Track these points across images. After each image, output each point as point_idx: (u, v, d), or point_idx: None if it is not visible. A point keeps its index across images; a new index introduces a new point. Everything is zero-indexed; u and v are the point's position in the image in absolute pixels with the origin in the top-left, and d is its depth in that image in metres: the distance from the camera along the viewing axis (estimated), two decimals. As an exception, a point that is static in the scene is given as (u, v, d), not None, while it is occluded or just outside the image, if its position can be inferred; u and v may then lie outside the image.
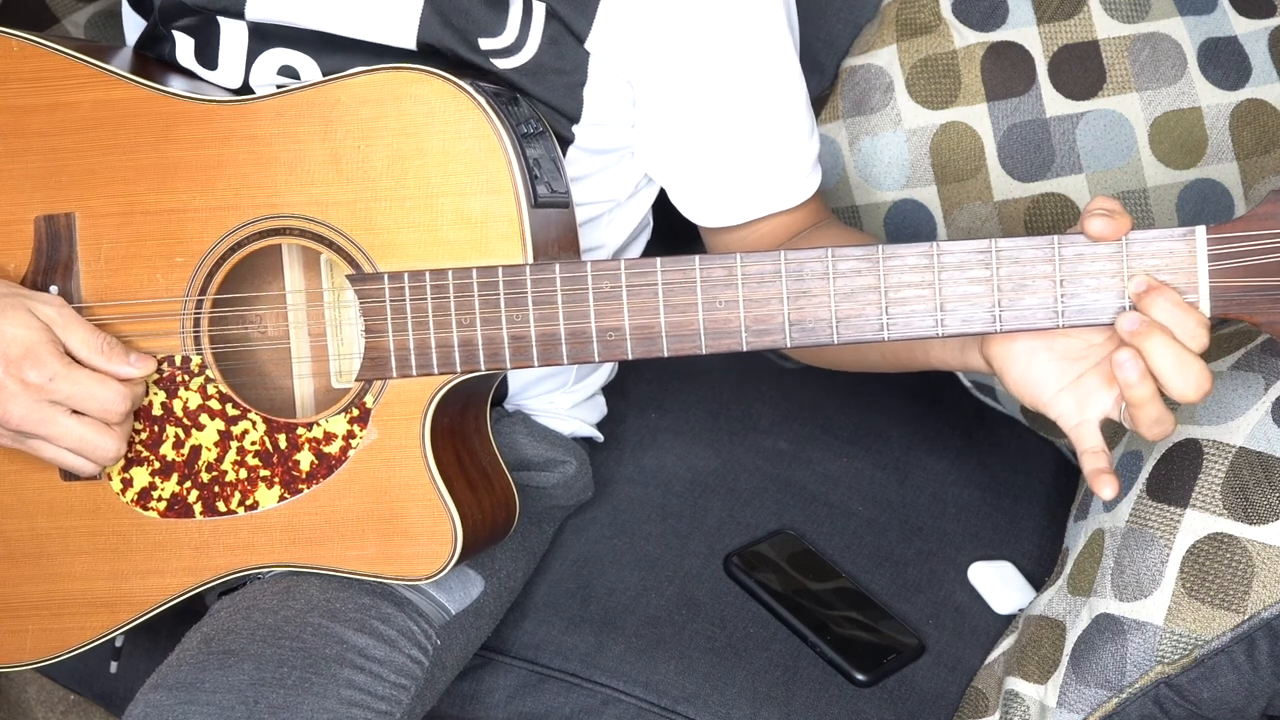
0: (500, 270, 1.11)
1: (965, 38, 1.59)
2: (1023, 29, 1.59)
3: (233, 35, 1.26)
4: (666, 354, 1.10)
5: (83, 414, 1.15)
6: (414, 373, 1.14)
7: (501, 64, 1.22)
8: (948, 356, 1.17)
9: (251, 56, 1.26)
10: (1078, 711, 1.27)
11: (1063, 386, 1.08)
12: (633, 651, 1.36)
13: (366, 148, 1.14)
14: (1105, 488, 1.05)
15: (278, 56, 1.26)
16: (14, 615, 1.23)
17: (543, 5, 1.22)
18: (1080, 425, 1.08)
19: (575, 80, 1.24)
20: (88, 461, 1.17)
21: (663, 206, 1.37)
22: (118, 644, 1.31)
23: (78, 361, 1.16)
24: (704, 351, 1.10)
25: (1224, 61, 1.55)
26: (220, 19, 1.26)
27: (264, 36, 1.25)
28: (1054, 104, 1.57)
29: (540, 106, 1.24)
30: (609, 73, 1.25)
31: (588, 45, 1.23)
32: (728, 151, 1.28)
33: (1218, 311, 1.04)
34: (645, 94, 1.27)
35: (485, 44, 1.22)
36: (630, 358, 1.10)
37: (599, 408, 1.49)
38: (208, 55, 1.27)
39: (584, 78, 1.24)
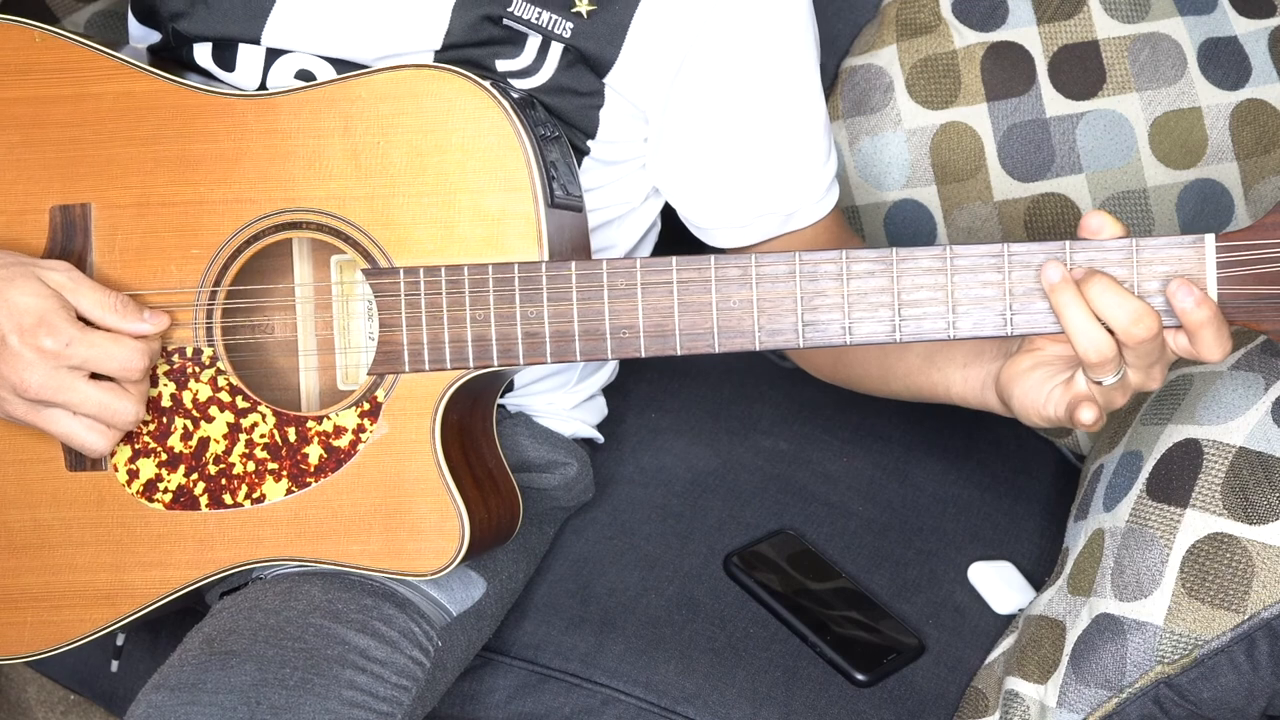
0: (516, 267, 1.13)
1: (965, 38, 1.61)
2: (1023, 29, 1.60)
3: (250, 50, 1.28)
4: (680, 352, 1.12)
5: (101, 377, 1.16)
6: (426, 367, 1.15)
7: (517, 84, 1.24)
8: (968, 394, 1.20)
9: (269, 63, 1.27)
10: (1078, 711, 1.28)
11: (1053, 387, 1.11)
12: (633, 651, 1.37)
13: (386, 144, 1.16)
14: (1085, 411, 1.08)
15: (295, 61, 1.27)
16: (13, 607, 1.24)
17: (560, 45, 1.24)
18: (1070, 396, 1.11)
19: (592, 103, 1.26)
20: (105, 432, 1.17)
21: (671, 207, 1.37)
22: (119, 643, 1.32)
23: (91, 324, 1.16)
24: (717, 350, 1.11)
25: (1224, 61, 1.57)
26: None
27: (281, 52, 1.27)
28: (1054, 104, 1.58)
29: (555, 119, 1.25)
30: (625, 101, 1.27)
31: (606, 80, 1.25)
32: (741, 178, 1.29)
33: (1225, 318, 1.06)
34: (659, 121, 1.28)
35: (502, 65, 1.24)
36: (643, 355, 1.12)
37: (600, 409, 1.50)
38: (225, 60, 1.29)
39: (600, 101, 1.26)
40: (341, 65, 1.26)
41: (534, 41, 1.24)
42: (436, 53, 1.25)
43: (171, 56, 1.31)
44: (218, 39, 1.27)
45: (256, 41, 1.26)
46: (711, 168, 1.30)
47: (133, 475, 1.22)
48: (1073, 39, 1.59)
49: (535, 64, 1.24)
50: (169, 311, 1.20)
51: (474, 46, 1.24)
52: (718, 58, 1.26)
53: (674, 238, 1.42)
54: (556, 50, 1.24)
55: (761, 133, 1.28)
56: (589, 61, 1.24)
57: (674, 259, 1.12)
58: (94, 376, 1.16)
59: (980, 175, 1.60)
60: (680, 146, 1.29)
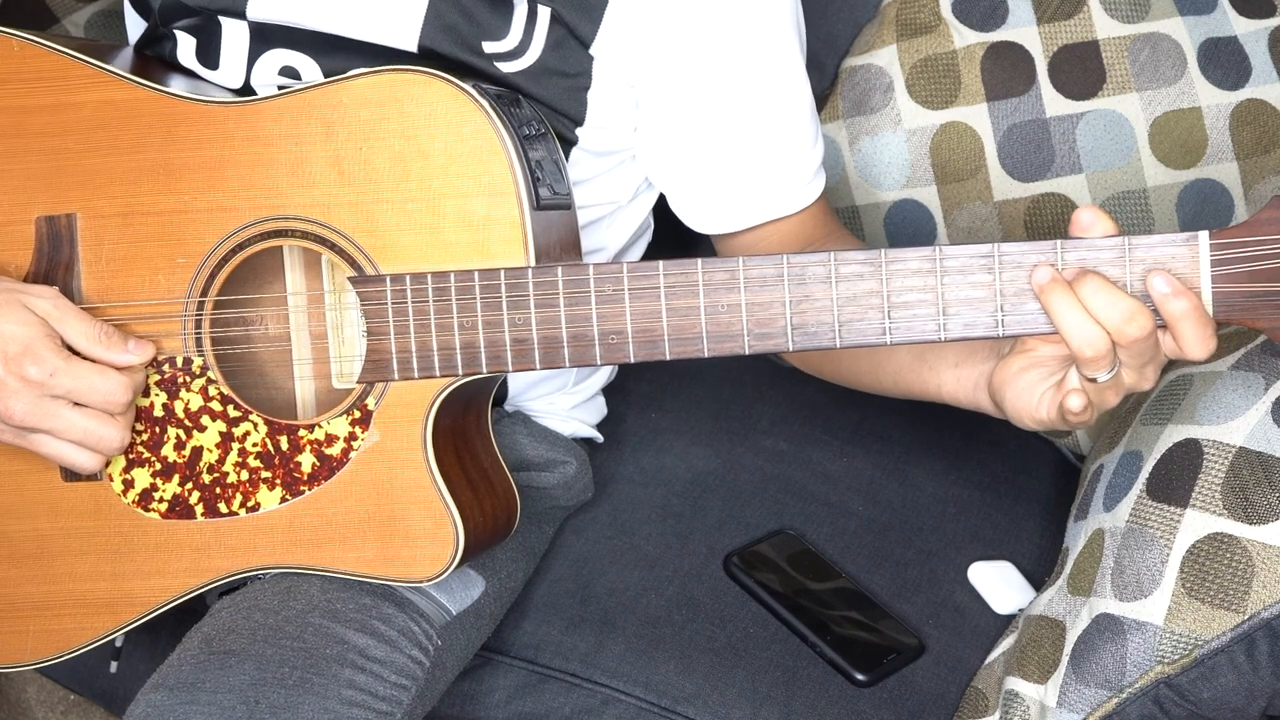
0: (502, 273, 1.11)
1: (965, 38, 1.59)
2: (1023, 29, 1.58)
3: (234, 35, 1.25)
4: (669, 357, 1.09)
5: (85, 406, 1.15)
6: (416, 375, 1.13)
7: (505, 67, 1.22)
8: (960, 394, 1.17)
9: (253, 57, 1.25)
10: (1078, 711, 1.26)
11: (1045, 390, 1.09)
12: (633, 651, 1.35)
13: (368, 149, 1.14)
14: (1073, 397, 1.06)
15: (279, 57, 1.25)
16: (16, 615, 1.23)
17: (548, 10, 1.21)
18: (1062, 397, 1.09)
19: (579, 84, 1.23)
20: (91, 454, 1.16)
21: (664, 209, 1.36)
22: (118, 644, 1.31)
23: (77, 352, 1.15)
24: (706, 355, 1.09)
25: (1224, 61, 1.55)
26: (221, 19, 1.25)
27: (265, 37, 1.25)
28: (1054, 104, 1.57)
29: (543, 109, 1.23)
30: (613, 77, 1.24)
31: (592, 50, 1.22)
32: (728, 158, 1.27)
33: (1220, 316, 1.04)
34: (648, 98, 1.26)
35: (489, 47, 1.21)
36: (632, 361, 1.10)
37: (599, 408, 1.48)
38: (209, 55, 1.26)
39: (588, 82, 1.23)
40: (326, 55, 1.24)
41: (520, 12, 1.22)
42: (422, 27, 1.22)
43: (156, 56, 1.29)
44: (204, 9, 1.25)
45: (242, 15, 1.24)
46: (698, 147, 1.27)
47: (128, 485, 1.20)
48: (1073, 39, 1.58)
49: (523, 43, 1.22)
50: (157, 322, 1.19)
51: (459, 15, 1.21)
52: (701, 31, 1.23)
53: (669, 240, 1.40)
54: (544, 24, 1.22)
55: (746, 110, 1.26)
56: (573, 29, 1.21)
57: (660, 263, 1.09)
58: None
59: (980, 175, 1.59)
60: (667, 126, 1.27)
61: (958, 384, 1.17)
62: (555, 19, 1.21)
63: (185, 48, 1.27)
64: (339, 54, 1.23)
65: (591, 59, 1.23)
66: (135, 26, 1.36)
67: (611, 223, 1.34)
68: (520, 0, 1.21)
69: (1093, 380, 1.05)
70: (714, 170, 1.27)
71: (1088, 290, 1.02)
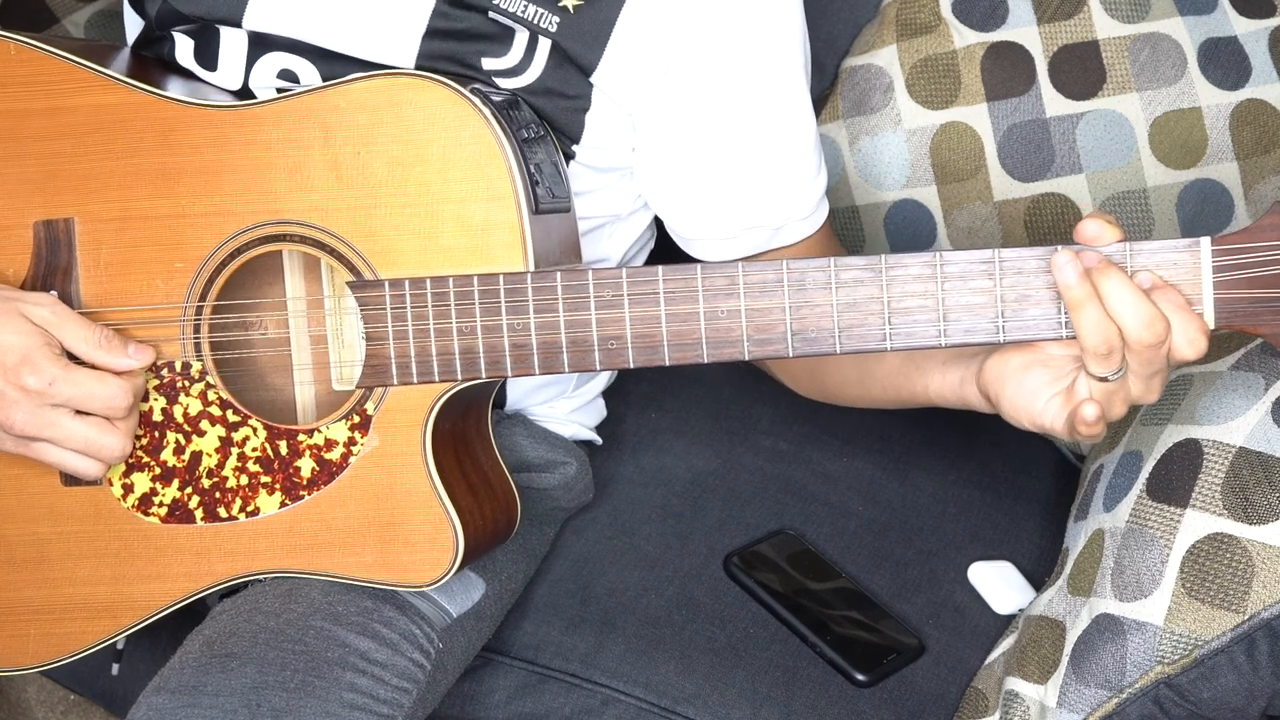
0: (501, 278, 1.09)
1: (965, 38, 1.58)
2: (1023, 29, 1.57)
3: (232, 40, 1.24)
4: (668, 363, 1.08)
5: (87, 414, 1.14)
6: (415, 380, 1.12)
7: (504, 84, 1.20)
8: (946, 391, 1.15)
9: (251, 60, 1.24)
10: (1078, 711, 1.26)
11: (1052, 395, 1.08)
12: (633, 651, 1.35)
13: (366, 154, 1.12)
14: (1088, 405, 1.04)
15: (277, 60, 1.23)
16: (16, 619, 1.22)
17: (549, 41, 1.20)
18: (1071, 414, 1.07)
19: (578, 106, 1.22)
20: (94, 462, 1.15)
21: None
22: (119, 646, 1.30)
23: (76, 358, 1.14)
24: (706, 361, 1.08)
25: (1224, 61, 1.54)
26: (219, 26, 1.24)
27: (264, 42, 1.23)
28: (1054, 104, 1.55)
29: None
30: (612, 104, 1.23)
31: (593, 79, 1.21)
32: (727, 190, 1.25)
33: (1222, 323, 1.03)
34: (646, 125, 1.24)
35: (488, 64, 1.20)
36: (632, 366, 1.09)
37: (598, 411, 1.47)
38: (207, 57, 1.25)
39: (587, 105, 1.22)
40: (324, 60, 1.23)
41: (521, 37, 1.20)
42: (422, 39, 1.20)
43: (154, 56, 1.28)
44: (200, 19, 1.23)
45: (239, 24, 1.23)
46: (697, 178, 1.25)
47: (128, 489, 1.19)
48: (1073, 39, 1.56)
49: (523, 63, 1.20)
50: (156, 327, 1.17)
51: (458, 38, 1.20)
52: (704, 64, 1.21)
53: (669, 252, 1.37)
54: (545, 48, 1.20)
55: (748, 143, 1.24)
56: (574, 59, 1.20)
57: (660, 268, 1.08)
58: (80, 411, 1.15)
59: (980, 175, 1.57)
60: (666, 155, 1.25)
61: (944, 381, 1.16)
62: (556, 48, 1.20)
63: (183, 49, 1.26)
64: (337, 61, 1.22)
65: (591, 86, 1.21)
66: (134, 26, 1.34)
67: (612, 233, 1.33)
68: (521, 29, 1.20)
69: (1102, 380, 1.03)
70: (712, 201, 1.26)
71: (1110, 284, 1.01)
